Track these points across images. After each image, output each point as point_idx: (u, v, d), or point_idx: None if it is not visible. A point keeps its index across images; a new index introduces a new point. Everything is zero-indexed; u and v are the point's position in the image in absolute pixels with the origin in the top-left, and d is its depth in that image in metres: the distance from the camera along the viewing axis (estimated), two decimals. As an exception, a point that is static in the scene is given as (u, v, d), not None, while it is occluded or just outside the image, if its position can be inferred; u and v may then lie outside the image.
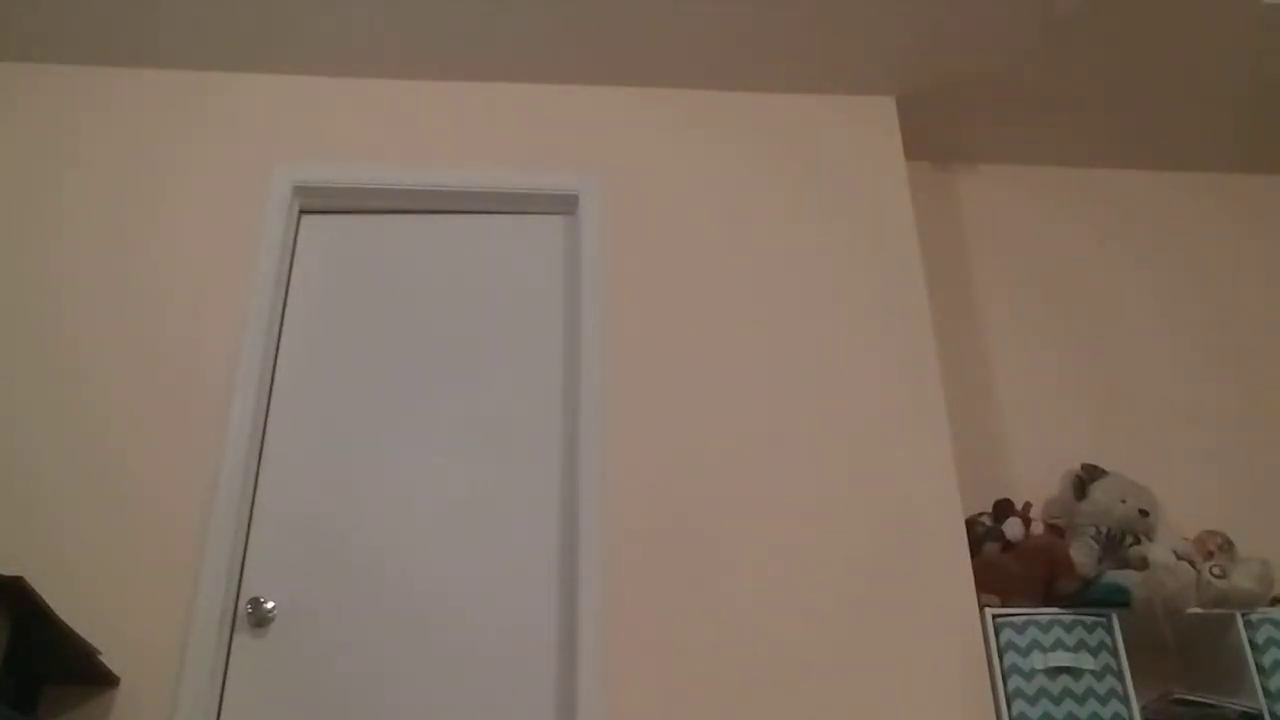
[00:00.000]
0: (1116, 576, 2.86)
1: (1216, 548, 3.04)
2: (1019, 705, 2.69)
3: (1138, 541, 3.02)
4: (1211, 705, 2.77)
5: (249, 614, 2.71)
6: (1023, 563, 2.92)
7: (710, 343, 3.11)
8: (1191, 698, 2.77)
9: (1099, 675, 2.72)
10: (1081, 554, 2.98)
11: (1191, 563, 2.97)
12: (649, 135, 3.45)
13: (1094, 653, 2.75)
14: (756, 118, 3.51)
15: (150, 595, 2.65)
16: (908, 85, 3.57)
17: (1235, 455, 3.42)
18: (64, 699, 2.52)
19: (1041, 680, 2.71)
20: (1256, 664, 2.79)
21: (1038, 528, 3.04)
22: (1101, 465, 3.23)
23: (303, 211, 3.29)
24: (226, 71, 3.43)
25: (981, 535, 2.97)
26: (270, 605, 2.73)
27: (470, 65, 3.44)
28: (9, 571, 2.50)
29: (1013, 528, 2.98)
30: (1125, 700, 2.70)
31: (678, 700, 2.62)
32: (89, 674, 2.49)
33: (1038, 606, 2.86)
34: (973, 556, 2.89)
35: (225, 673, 2.65)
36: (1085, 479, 3.14)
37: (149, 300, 3.04)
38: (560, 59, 3.43)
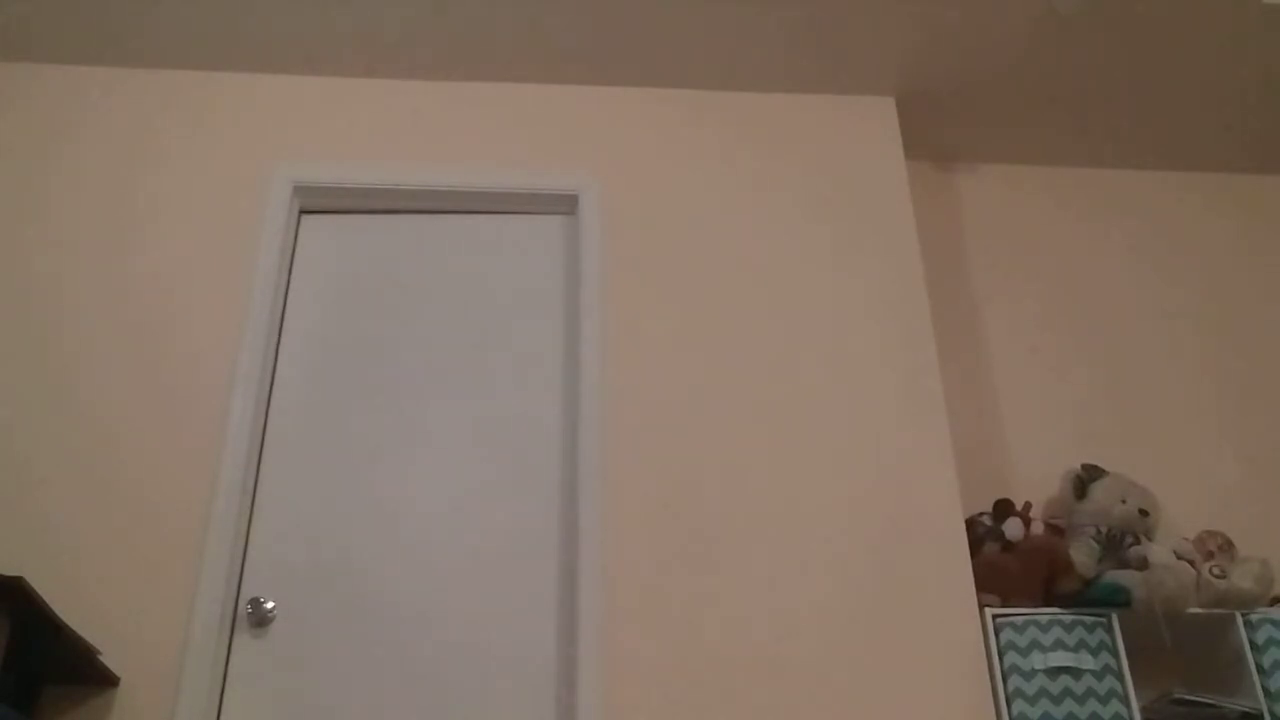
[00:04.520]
0: (1116, 576, 2.86)
1: (1216, 548, 3.05)
2: (1019, 705, 2.69)
3: (1138, 541, 3.02)
4: (1211, 705, 2.77)
5: (249, 614, 2.71)
6: (1023, 563, 2.92)
7: (710, 343, 3.11)
8: (1191, 698, 2.77)
9: (1099, 675, 2.72)
10: (1081, 554, 2.98)
11: (1191, 563, 2.97)
12: (649, 135, 3.45)
13: (1094, 653, 2.75)
14: (756, 118, 3.51)
15: (150, 595, 2.65)
16: (908, 85, 3.57)
17: (1235, 455, 3.42)
18: (64, 699, 2.52)
19: (1041, 680, 2.71)
20: (1256, 664, 2.79)
21: (1038, 528, 3.04)
22: (1101, 465, 3.23)
23: (303, 211, 3.29)
24: (226, 71, 3.43)
25: (981, 535, 2.97)
26: (270, 605, 2.73)
27: (470, 65, 3.44)
28: (9, 571, 2.50)
29: (1013, 528, 2.98)
30: (1125, 700, 2.70)
31: (678, 698, 2.62)
32: (89, 674, 2.49)
33: (1038, 606, 2.86)
34: (973, 556, 2.89)
35: (225, 673, 2.65)
36: (1085, 479, 3.14)
37: (149, 300, 3.04)
38: (560, 59, 3.43)
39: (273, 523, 2.84)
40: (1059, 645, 2.75)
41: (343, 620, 2.73)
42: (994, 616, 2.82)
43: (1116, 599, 2.80)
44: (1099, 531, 3.03)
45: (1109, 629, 2.80)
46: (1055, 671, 2.72)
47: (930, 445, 3.00)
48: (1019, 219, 3.83)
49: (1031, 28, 3.35)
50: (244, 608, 2.73)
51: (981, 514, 3.05)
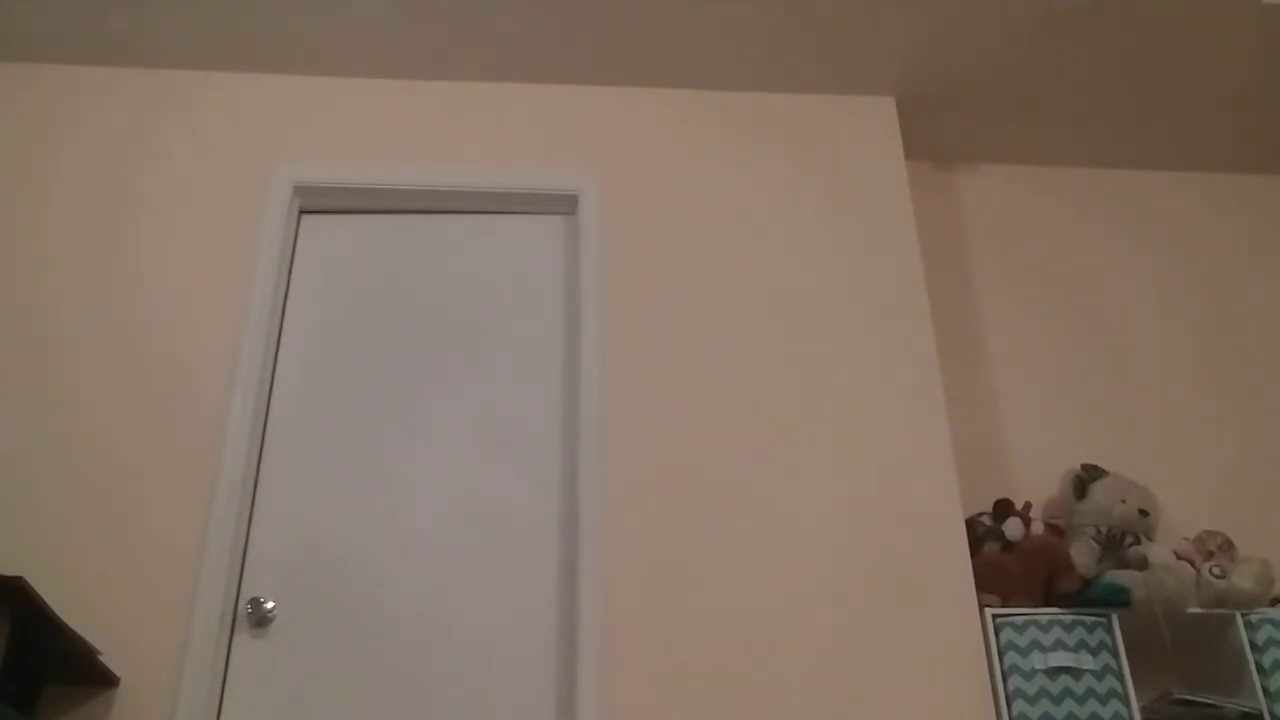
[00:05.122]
0: (1117, 576, 2.86)
1: (1216, 548, 3.05)
2: (1019, 705, 2.69)
3: (1138, 541, 3.02)
4: (1211, 705, 2.77)
5: (249, 614, 2.71)
6: (1023, 563, 2.92)
7: (710, 343, 3.11)
8: (1191, 698, 2.77)
9: (1099, 675, 2.72)
10: (1081, 554, 2.98)
11: (1191, 563, 2.98)
12: (649, 135, 3.45)
13: (1094, 653, 2.75)
14: (757, 118, 3.51)
15: (150, 595, 2.65)
16: (908, 85, 3.57)
17: (1235, 455, 3.42)
18: (64, 699, 2.52)
19: (1041, 680, 2.71)
20: (1256, 664, 2.79)
21: (1038, 528, 3.04)
22: (1101, 465, 3.23)
23: (303, 211, 3.29)
24: (226, 71, 3.43)
25: (981, 535, 2.97)
26: (270, 605, 2.73)
27: (470, 65, 3.44)
28: (9, 571, 2.50)
29: (1013, 528, 2.98)
30: (1125, 700, 2.70)
31: (678, 698, 2.62)
32: (89, 674, 2.49)
33: (1038, 606, 2.86)
34: (973, 556, 2.89)
35: (225, 673, 2.65)
36: (1085, 479, 3.14)
37: (148, 300, 3.04)
38: (560, 59, 3.43)
39: (273, 523, 2.84)
40: (1059, 645, 2.75)
41: (343, 620, 2.73)
42: (994, 616, 2.82)
43: (1116, 599, 2.80)
44: (1099, 531, 3.03)
45: (1109, 629, 2.80)
46: (1055, 671, 2.72)
47: (930, 445, 3.00)
48: (1019, 219, 3.83)
49: (1031, 28, 3.35)
50: (244, 608, 2.73)
51: (981, 514, 3.05)
